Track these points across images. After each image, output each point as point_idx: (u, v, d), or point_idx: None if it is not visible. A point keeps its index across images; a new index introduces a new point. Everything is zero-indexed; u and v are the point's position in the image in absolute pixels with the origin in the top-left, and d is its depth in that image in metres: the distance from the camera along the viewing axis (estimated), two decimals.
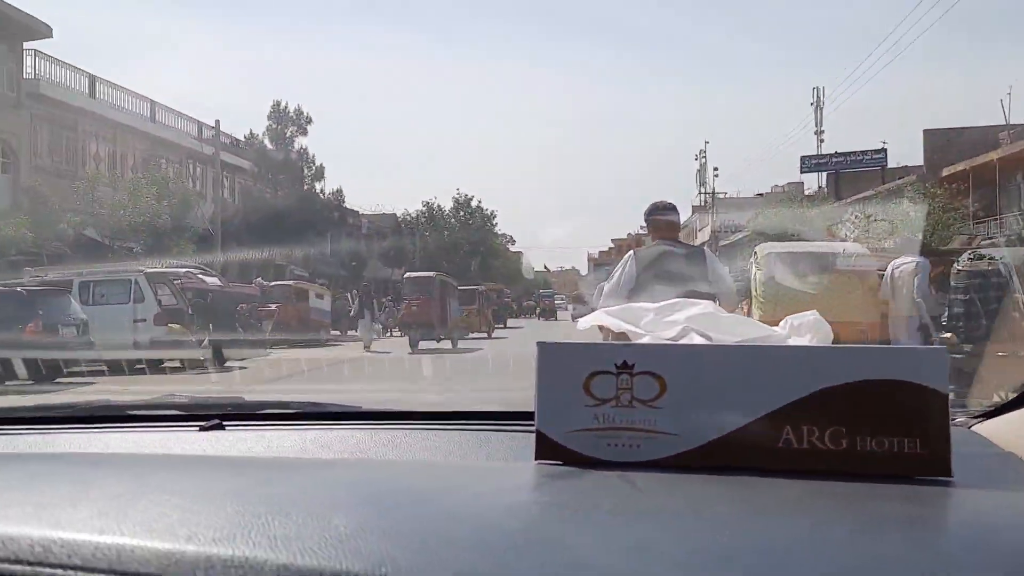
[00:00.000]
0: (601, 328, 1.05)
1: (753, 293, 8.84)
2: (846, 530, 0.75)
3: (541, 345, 1.02)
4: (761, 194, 43.16)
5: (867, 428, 0.92)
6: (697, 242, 41.48)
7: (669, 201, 5.13)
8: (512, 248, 54.43)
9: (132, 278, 14.87)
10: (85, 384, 9.79)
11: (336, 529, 0.68)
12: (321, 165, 34.00)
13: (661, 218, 4.99)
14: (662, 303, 1.10)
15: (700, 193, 51.25)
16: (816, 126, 40.11)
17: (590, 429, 0.99)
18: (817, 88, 40.89)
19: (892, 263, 8.52)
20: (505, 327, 30.47)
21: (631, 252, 5.27)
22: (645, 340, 1.11)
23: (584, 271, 70.15)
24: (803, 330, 1.07)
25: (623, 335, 1.06)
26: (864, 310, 8.14)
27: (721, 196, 48.02)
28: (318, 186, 34.09)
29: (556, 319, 38.39)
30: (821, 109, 40.24)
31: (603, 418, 0.98)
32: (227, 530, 0.68)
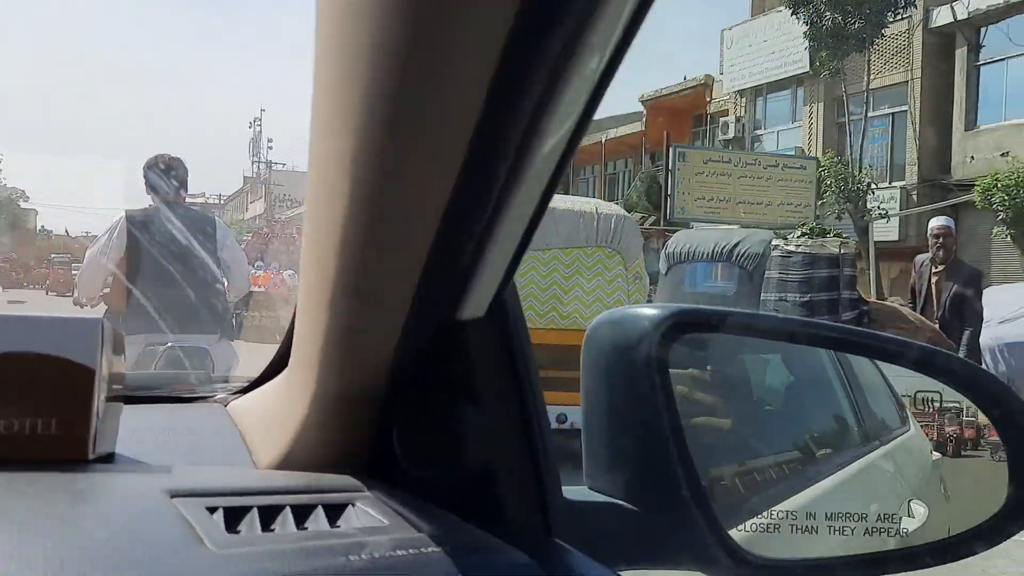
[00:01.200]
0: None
1: None
2: None
3: None
4: None
5: (2, 408, 0.87)
6: (249, 215, 40.70)
7: (174, 156, 4.90)
8: (24, 205, 47.92)
9: None
10: None
11: None
12: None
13: (161, 175, 4.71)
14: None
15: (254, 162, 50.29)
16: None
17: None
18: None
19: None
20: None
21: (122, 214, 4.88)
22: None
23: None
24: None
25: None
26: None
27: (279, 167, 47.74)
28: None
29: (74, 294, 34.33)
30: None
31: None
32: None
